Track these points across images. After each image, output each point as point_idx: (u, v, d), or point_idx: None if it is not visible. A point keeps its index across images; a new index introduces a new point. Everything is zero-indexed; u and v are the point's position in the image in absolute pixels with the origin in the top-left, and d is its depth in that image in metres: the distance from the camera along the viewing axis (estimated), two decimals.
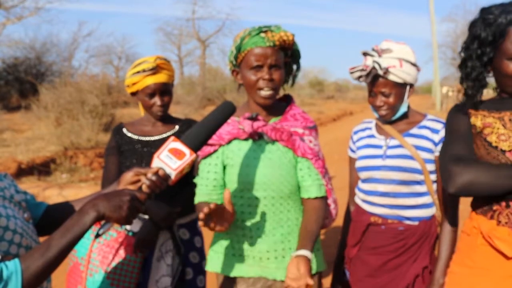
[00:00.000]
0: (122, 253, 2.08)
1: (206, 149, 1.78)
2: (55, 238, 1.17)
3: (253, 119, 1.78)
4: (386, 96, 1.93)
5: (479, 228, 1.54)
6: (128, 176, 1.40)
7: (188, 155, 1.38)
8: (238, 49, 1.74)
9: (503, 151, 1.50)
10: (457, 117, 1.64)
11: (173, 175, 1.38)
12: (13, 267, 1.11)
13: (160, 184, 1.36)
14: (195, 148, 1.41)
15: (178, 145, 1.39)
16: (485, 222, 1.53)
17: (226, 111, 1.53)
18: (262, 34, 1.70)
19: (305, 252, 1.62)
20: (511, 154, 1.49)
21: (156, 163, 1.38)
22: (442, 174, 1.56)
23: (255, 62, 1.71)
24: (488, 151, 1.53)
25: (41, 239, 1.34)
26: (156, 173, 1.36)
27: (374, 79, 1.93)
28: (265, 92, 1.73)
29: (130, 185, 1.40)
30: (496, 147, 1.52)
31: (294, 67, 1.88)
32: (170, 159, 1.37)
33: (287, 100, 1.92)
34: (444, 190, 1.76)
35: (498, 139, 1.52)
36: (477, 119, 1.59)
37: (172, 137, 1.41)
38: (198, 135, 1.44)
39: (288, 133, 1.78)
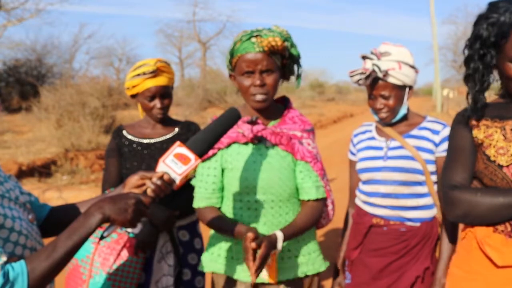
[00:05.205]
0: (123, 254, 2.08)
1: None
2: (61, 240, 1.18)
3: (253, 123, 1.78)
4: (386, 99, 1.95)
5: (474, 232, 1.50)
6: (133, 179, 1.41)
7: (193, 160, 1.39)
8: (232, 54, 1.74)
9: (500, 166, 1.43)
10: (459, 130, 1.56)
11: (178, 180, 1.39)
12: (19, 268, 1.11)
13: (165, 188, 1.37)
14: (200, 153, 1.42)
15: (184, 150, 1.40)
16: (481, 227, 1.47)
17: (232, 118, 1.55)
18: (253, 39, 1.68)
19: (278, 234, 1.65)
20: (508, 170, 1.41)
21: (161, 167, 1.38)
22: (442, 197, 1.54)
23: (245, 68, 1.70)
24: (486, 165, 1.47)
25: (45, 241, 1.35)
26: (161, 178, 1.37)
27: (374, 82, 1.95)
28: (258, 97, 1.73)
29: (135, 188, 1.40)
30: (494, 161, 1.45)
31: (295, 68, 1.83)
32: (175, 164, 1.38)
33: (284, 103, 1.91)
34: None
35: (497, 152, 1.45)
36: (480, 132, 1.51)
37: (178, 142, 1.42)
38: (204, 141, 1.46)
39: (288, 137, 1.78)
